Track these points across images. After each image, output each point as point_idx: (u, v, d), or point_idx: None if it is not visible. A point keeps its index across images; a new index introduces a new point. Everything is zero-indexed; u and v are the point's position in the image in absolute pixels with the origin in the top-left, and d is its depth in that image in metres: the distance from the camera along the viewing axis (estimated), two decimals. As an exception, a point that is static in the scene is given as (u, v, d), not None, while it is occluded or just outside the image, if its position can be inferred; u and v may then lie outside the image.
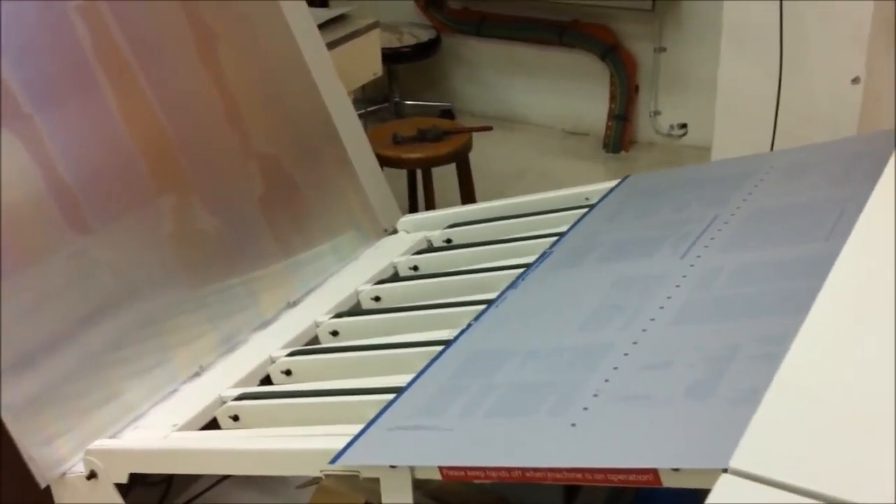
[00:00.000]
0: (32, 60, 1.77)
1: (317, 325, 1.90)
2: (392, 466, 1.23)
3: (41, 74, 1.78)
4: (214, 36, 2.09)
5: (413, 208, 2.89)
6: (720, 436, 0.98)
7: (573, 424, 1.16)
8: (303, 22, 2.30)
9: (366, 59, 2.94)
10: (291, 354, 1.79)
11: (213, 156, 2.03)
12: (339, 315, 1.92)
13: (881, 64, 2.86)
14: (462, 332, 1.57)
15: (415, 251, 2.15)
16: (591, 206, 1.95)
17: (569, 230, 1.85)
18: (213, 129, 2.05)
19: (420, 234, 2.22)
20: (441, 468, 1.19)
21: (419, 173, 2.89)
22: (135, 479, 1.61)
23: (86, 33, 1.86)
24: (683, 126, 4.13)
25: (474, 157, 2.92)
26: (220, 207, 2.00)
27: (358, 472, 1.28)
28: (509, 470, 1.14)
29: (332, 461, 1.29)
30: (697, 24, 3.90)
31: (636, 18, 3.99)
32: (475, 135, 2.88)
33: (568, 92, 4.33)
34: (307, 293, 2.08)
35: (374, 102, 4.37)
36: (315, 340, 1.91)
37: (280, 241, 2.10)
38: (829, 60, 2.96)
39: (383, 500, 1.26)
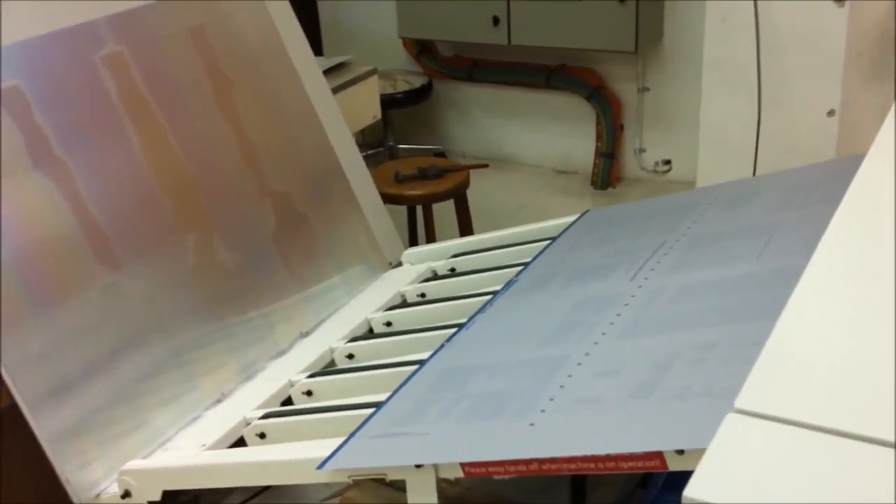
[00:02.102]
0: (63, 107, 1.89)
1: (332, 350, 2.01)
2: (417, 466, 1.34)
3: (72, 120, 1.90)
4: (230, 84, 2.22)
5: (413, 243, 3.00)
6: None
7: (531, 424, 1.33)
8: (310, 69, 2.43)
9: (366, 104, 3.08)
10: (311, 376, 1.89)
11: (231, 194, 2.15)
12: (353, 339, 2.03)
13: (855, 96, 2.99)
14: (435, 352, 1.73)
15: (421, 280, 2.27)
16: (553, 238, 2.13)
17: (533, 260, 2.04)
18: (231, 169, 2.17)
19: (424, 266, 2.34)
20: (463, 465, 1.30)
21: (419, 209, 3.02)
22: (166, 497, 1.70)
23: (112, 81, 1.98)
24: (668, 162, 4.26)
25: (470, 196, 3.05)
26: (238, 242, 2.12)
27: (385, 474, 1.39)
28: (527, 463, 1.25)
29: (320, 467, 1.44)
30: (678, 64, 4.04)
31: (620, 60, 4.14)
32: (471, 174, 3.01)
33: (556, 132, 4.47)
34: (319, 323, 2.20)
35: (369, 147, 4.50)
36: (331, 365, 2.01)
37: (293, 274, 2.22)
38: (806, 94, 3.09)
39: (409, 500, 1.37)
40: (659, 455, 1.16)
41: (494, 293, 1.96)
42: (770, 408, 0.92)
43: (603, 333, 1.53)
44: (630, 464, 1.18)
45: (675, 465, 1.14)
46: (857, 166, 1.55)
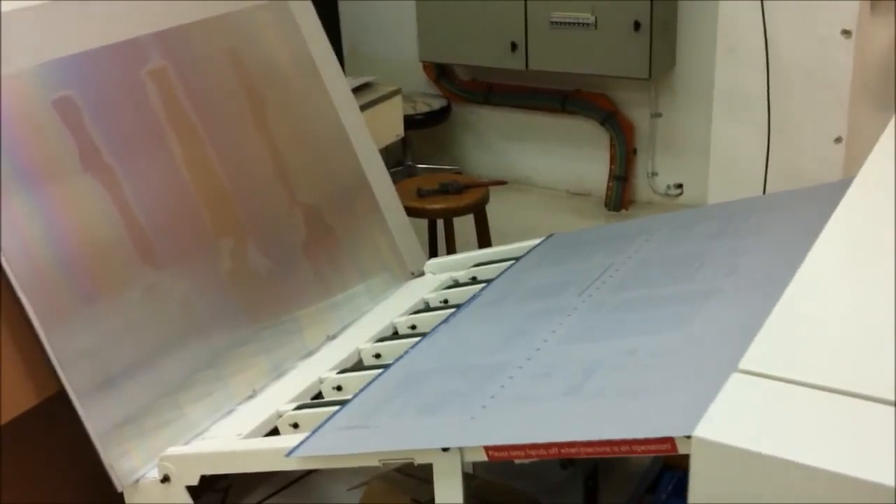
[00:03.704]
0: (111, 116, 2.02)
1: (359, 350, 2.12)
2: (444, 449, 1.44)
3: (119, 129, 2.02)
4: (264, 100, 2.35)
5: (434, 255, 3.11)
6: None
7: (472, 418, 1.53)
8: (340, 88, 2.56)
9: (389, 122, 3.21)
10: (341, 373, 2.00)
11: (264, 204, 2.27)
12: (380, 340, 2.14)
13: (861, 125, 3.09)
14: (398, 358, 1.93)
15: (444, 288, 2.38)
16: (517, 259, 2.33)
17: (496, 277, 2.24)
18: (263, 181, 2.29)
19: (446, 275, 2.45)
20: (486, 449, 1.40)
21: (440, 223, 3.13)
22: (203, 484, 1.81)
23: (156, 94, 2.11)
24: (679, 186, 4.37)
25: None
26: (270, 250, 2.23)
27: (413, 458, 1.49)
28: (547, 447, 1.35)
29: (288, 454, 1.63)
30: (690, 91, 4.16)
31: (634, 87, 4.26)
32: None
33: (571, 155, 4.58)
34: (345, 327, 2.31)
35: (390, 166, 4.61)
36: (358, 364, 2.12)
37: (320, 280, 2.33)
38: (813, 122, 3.19)
39: (435, 482, 1.47)
40: (670, 440, 1.26)
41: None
42: (770, 369, 1.03)
43: (545, 341, 1.73)
44: (643, 447, 1.27)
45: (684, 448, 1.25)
46: (822, 195, 1.73)
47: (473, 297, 2.13)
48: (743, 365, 1.05)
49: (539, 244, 2.38)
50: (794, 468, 0.84)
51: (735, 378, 1.04)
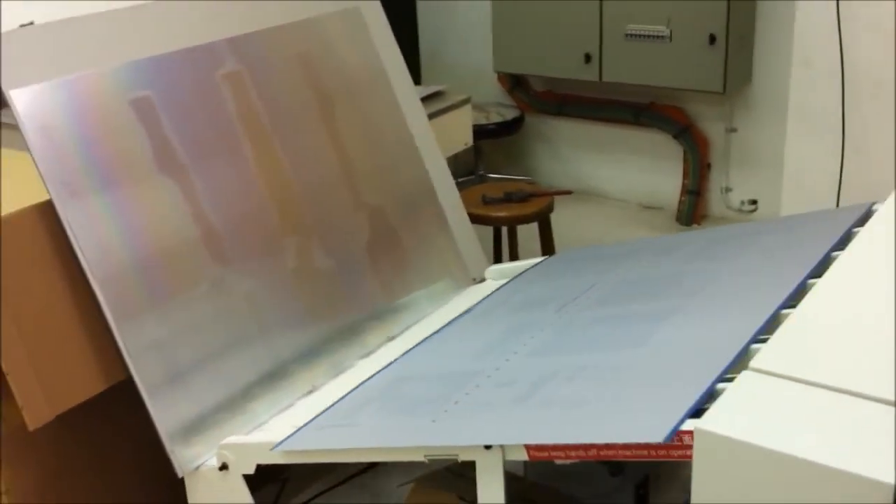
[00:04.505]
0: (187, 118, 2.10)
1: (416, 352, 2.17)
2: (487, 447, 1.48)
3: (194, 130, 2.10)
4: (333, 105, 2.41)
5: (497, 262, 3.15)
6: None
7: (433, 421, 1.65)
8: (408, 96, 2.61)
9: (458, 130, 3.25)
10: (395, 372, 2.06)
11: (330, 205, 2.33)
12: (437, 342, 2.19)
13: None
14: (387, 366, 2.07)
15: (502, 294, 2.42)
16: (517, 275, 2.43)
17: (493, 292, 2.36)
18: (330, 182, 2.35)
19: (505, 281, 2.47)
20: (527, 448, 1.43)
21: (504, 231, 3.16)
22: (263, 476, 1.87)
23: (230, 97, 2.19)
24: (754, 202, 4.32)
25: (553, 226, 3.19)
26: (334, 249, 2.29)
27: (457, 454, 1.53)
28: (587, 448, 1.37)
29: (273, 449, 1.78)
30: (766, 105, 4.11)
31: (708, 101, 4.23)
32: (555, 205, 3.15)
33: (643, 168, 4.57)
34: (405, 329, 2.35)
35: (461, 175, 4.67)
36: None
37: (382, 282, 2.38)
38: (888, 136, 3.14)
39: (478, 479, 1.50)
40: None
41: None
42: (779, 368, 1.04)
43: (515, 353, 1.84)
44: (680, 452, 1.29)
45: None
46: (820, 221, 1.86)
47: (468, 310, 2.27)
48: (754, 364, 1.06)
49: (542, 261, 2.49)
50: (791, 462, 0.86)
51: (744, 375, 1.06)
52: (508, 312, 2.15)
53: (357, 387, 2.00)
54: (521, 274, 2.41)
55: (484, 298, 2.32)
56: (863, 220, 1.85)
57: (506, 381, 1.70)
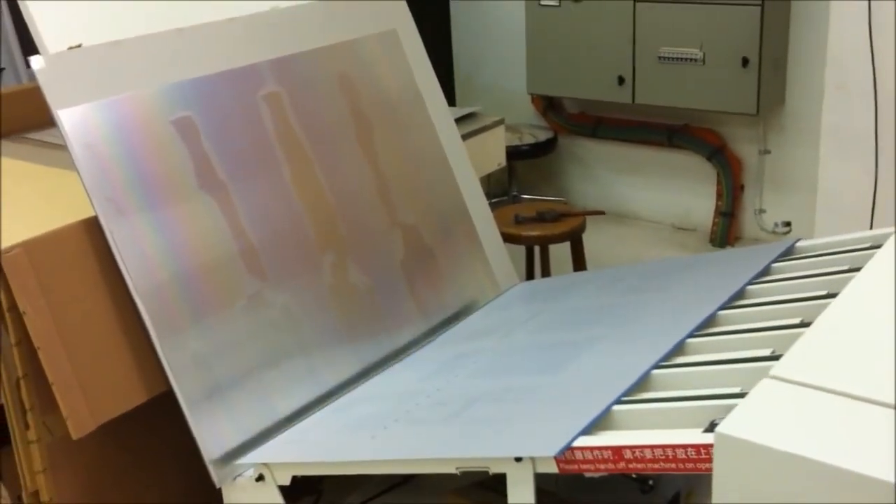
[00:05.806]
0: (227, 137, 2.16)
1: (447, 367, 2.20)
2: (517, 459, 1.50)
3: (233, 149, 2.16)
4: (370, 125, 2.46)
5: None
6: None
7: (373, 437, 1.80)
8: (442, 115, 2.66)
9: (492, 151, 3.29)
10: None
11: (365, 223, 2.37)
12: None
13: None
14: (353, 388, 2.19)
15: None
16: (487, 302, 2.53)
17: (459, 323, 2.46)
18: (366, 201, 2.40)
19: (538, 300, 2.52)
20: (557, 461, 1.46)
21: (536, 250, 3.19)
22: (294, 485, 1.90)
23: (269, 118, 2.25)
24: (788, 224, 4.32)
25: (587, 246, 3.21)
26: (369, 266, 2.34)
27: (488, 467, 1.56)
28: (615, 461, 1.40)
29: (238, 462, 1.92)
30: (800, 128, 4.12)
31: (742, 122, 4.25)
32: (589, 226, 3.18)
33: (676, 190, 4.59)
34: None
35: (495, 195, 4.71)
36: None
37: (416, 298, 2.42)
38: (922, 160, 3.14)
39: (509, 491, 1.53)
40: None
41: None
42: (796, 376, 1.07)
43: (456, 376, 1.99)
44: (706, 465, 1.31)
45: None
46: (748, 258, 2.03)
47: (435, 336, 2.39)
48: (773, 372, 1.09)
49: (507, 291, 2.60)
50: (807, 464, 0.88)
51: (764, 383, 1.08)
52: (464, 339, 2.30)
53: (323, 408, 2.11)
54: (484, 306, 2.53)
55: (451, 327, 2.45)
56: (785, 255, 2.05)
57: (441, 401, 1.86)
